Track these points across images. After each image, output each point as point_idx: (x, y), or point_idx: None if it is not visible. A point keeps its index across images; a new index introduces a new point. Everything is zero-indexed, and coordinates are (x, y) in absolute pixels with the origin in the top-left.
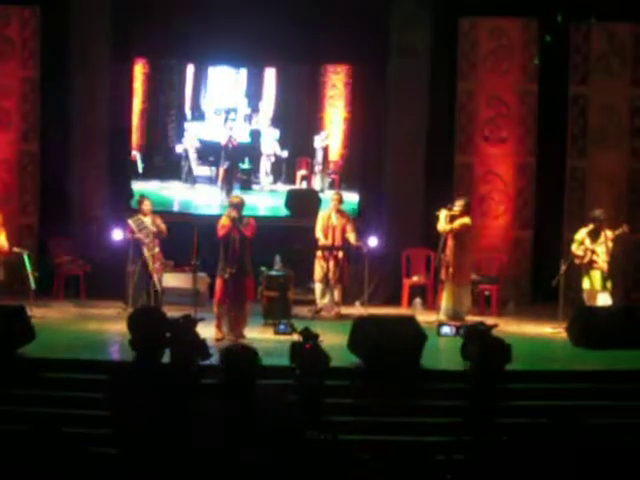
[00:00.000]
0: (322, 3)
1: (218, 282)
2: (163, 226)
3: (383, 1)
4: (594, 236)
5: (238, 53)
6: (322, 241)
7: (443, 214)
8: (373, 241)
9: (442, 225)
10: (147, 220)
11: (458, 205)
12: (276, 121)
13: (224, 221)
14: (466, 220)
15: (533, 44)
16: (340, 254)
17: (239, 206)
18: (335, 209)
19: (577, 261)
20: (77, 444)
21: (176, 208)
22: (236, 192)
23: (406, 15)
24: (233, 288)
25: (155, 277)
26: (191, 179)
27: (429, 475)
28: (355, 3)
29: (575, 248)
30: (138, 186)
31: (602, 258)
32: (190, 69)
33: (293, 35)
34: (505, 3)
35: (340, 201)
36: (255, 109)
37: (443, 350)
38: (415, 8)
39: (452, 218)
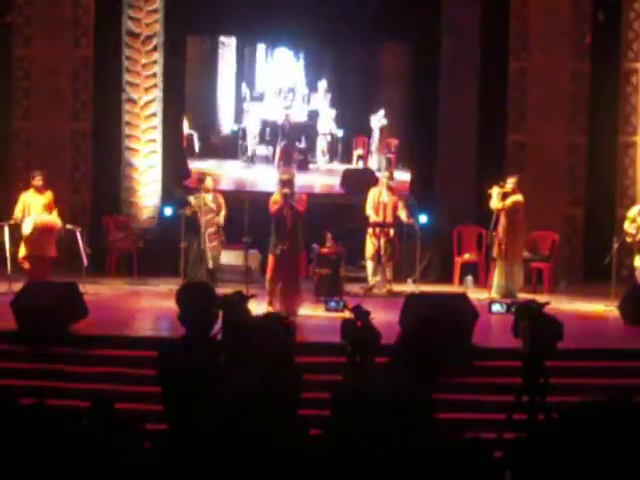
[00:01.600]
0: None
1: (270, 259)
2: (222, 203)
3: None
4: None
5: (295, 34)
6: (373, 218)
7: (495, 192)
8: (423, 218)
9: (494, 203)
10: (208, 197)
11: (510, 183)
12: (333, 101)
13: (276, 197)
14: (518, 198)
15: (585, 22)
16: (392, 231)
17: (290, 182)
18: (386, 186)
19: (629, 239)
20: (129, 420)
21: (232, 186)
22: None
23: None
24: (285, 265)
25: (209, 255)
26: (248, 158)
27: (480, 453)
28: None
29: (627, 226)
30: (195, 165)
31: None
32: (248, 49)
33: (348, 15)
34: None
35: (390, 178)
36: (313, 89)
37: (494, 328)
38: None
39: (504, 196)
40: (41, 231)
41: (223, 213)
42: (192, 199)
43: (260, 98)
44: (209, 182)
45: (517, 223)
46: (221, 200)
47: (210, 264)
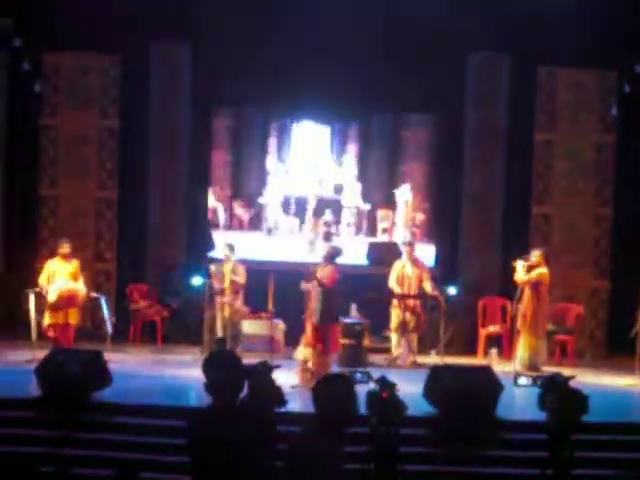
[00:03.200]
0: (400, 53)
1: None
2: (241, 275)
3: (462, 50)
4: None
5: (320, 107)
6: (397, 291)
7: (520, 265)
8: (452, 290)
9: (519, 276)
10: (227, 267)
11: (535, 255)
12: (359, 175)
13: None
14: (543, 270)
15: (611, 95)
16: (417, 302)
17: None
18: (409, 258)
19: None
20: None
21: (256, 257)
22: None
23: (484, 65)
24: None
25: (219, 324)
26: (273, 231)
27: None
28: (434, 53)
29: None
30: (220, 236)
31: None
32: (276, 123)
33: (372, 87)
34: (583, 54)
35: (413, 249)
36: (339, 164)
37: (519, 401)
38: (493, 58)
39: (529, 268)
40: (66, 299)
41: (241, 281)
42: (212, 267)
43: (285, 172)
44: (227, 252)
45: (541, 296)
46: (240, 269)
47: (220, 332)
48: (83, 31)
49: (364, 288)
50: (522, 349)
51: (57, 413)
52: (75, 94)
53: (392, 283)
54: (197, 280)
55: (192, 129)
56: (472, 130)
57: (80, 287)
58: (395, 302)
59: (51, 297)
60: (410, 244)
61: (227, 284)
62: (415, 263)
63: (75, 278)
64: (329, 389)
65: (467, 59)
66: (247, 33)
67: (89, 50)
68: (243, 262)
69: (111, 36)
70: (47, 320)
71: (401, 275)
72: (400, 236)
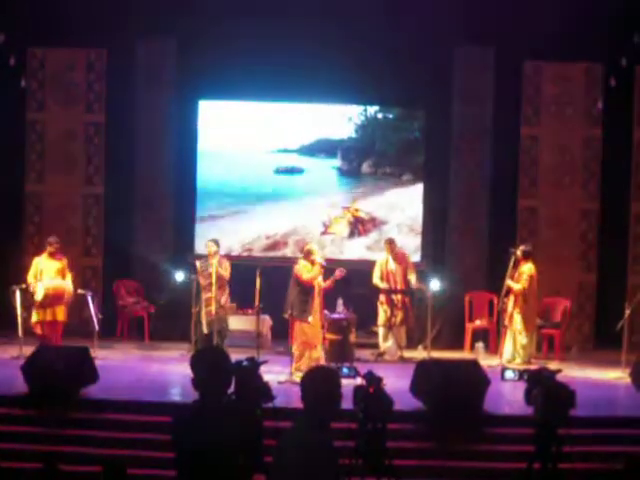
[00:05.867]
0: (385, 49)
1: (302, 325)
2: (226, 270)
3: (447, 45)
4: None
5: (307, 101)
6: (382, 286)
7: (510, 284)
8: (435, 284)
9: (517, 287)
10: (212, 262)
11: (520, 251)
12: (348, 170)
13: (313, 269)
14: (530, 267)
15: (597, 88)
16: (403, 297)
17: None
18: (390, 254)
19: None
20: None
21: (244, 252)
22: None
23: (470, 59)
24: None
25: (204, 320)
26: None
27: None
28: (420, 48)
29: None
30: (205, 230)
31: None
32: (262, 114)
33: (358, 82)
34: (569, 48)
35: (392, 245)
36: (329, 156)
37: (506, 395)
38: (479, 52)
39: (515, 263)
40: (53, 296)
41: (226, 276)
42: (198, 264)
43: (275, 170)
44: (211, 247)
45: (529, 290)
46: (225, 264)
47: (205, 329)
48: (69, 26)
49: (350, 283)
50: (509, 343)
51: (44, 410)
52: (61, 89)
53: (376, 280)
54: (180, 275)
55: (178, 124)
56: (458, 124)
57: (66, 284)
58: (382, 298)
59: (38, 294)
60: (390, 240)
61: (214, 280)
62: (397, 258)
63: (63, 275)
64: (315, 379)
65: (453, 54)
66: (233, 28)
67: (75, 45)
68: (229, 257)
69: (97, 31)
70: (34, 317)
71: (385, 271)
72: (389, 232)
